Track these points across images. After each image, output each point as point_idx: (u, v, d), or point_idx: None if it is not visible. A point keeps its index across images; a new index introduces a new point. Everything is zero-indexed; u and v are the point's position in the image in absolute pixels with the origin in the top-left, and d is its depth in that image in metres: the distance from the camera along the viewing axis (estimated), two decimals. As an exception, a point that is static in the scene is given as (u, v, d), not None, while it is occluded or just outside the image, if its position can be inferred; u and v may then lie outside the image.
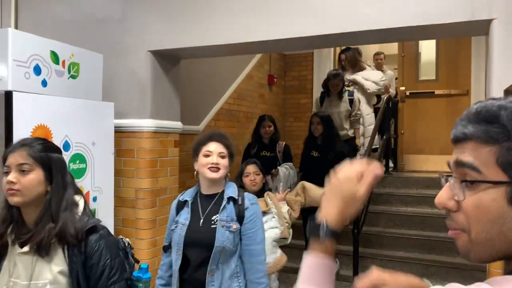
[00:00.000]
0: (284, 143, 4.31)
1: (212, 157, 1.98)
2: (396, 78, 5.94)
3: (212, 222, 1.94)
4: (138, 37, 3.09)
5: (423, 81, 5.71)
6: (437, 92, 5.54)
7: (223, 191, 2.02)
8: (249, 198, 2.03)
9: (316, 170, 3.46)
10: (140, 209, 3.03)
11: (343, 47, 5.44)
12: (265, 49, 3.92)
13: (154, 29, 3.05)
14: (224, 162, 2.00)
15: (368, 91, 4.98)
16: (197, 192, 2.08)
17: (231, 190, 2.03)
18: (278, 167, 4.05)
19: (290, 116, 6.41)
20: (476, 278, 3.82)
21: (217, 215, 1.95)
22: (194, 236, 1.93)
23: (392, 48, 6.25)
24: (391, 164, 5.45)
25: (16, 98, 2.26)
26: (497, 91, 2.24)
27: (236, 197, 1.99)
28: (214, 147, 2.00)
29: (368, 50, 7.15)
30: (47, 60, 2.50)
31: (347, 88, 4.88)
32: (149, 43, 3.07)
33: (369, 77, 5.02)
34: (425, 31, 2.58)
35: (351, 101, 4.67)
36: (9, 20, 3.36)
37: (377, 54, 5.77)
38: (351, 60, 5.22)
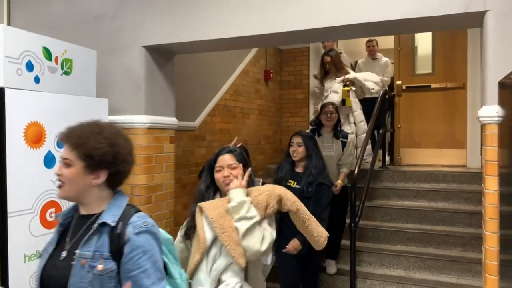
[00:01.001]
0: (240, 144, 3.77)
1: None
2: (392, 63, 5.92)
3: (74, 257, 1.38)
4: (132, 32, 3.07)
5: (420, 75, 5.70)
6: (433, 85, 5.53)
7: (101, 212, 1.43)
8: (135, 224, 1.39)
9: None
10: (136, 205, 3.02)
11: (324, 50, 5.31)
12: (259, 44, 3.91)
13: (147, 25, 3.03)
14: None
15: (372, 91, 4.86)
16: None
17: (113, 211, 1.43)
18: None
19: (287, 112, 6.41)
20: (474, 271, 3.81)
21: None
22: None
23: (388, 42, 6.23)
24: (387, 158, 5.45)
25: (8, 94, 2.24)
26: (491, 83, 2.23)
27: (113, 223, 1.38)
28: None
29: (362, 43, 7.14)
30: (39, 57, 2.48)
31: (343, 89, 4.68)
32: (143, 39, 3.05)
33: (368, 78, 4.89)
34: (420, 24, 2.57)
35: (344, 144, 3.88)
36: (1, 17, 3.33)
37: (369, 41, 5.68)
38: (337, 61, 4.97)
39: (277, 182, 3.05)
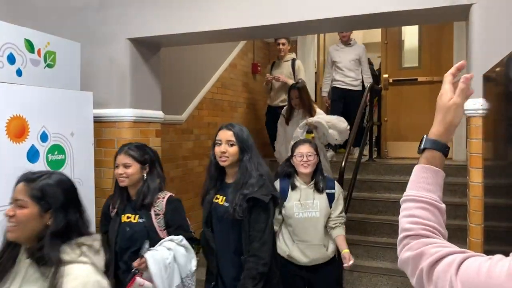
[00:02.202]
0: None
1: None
2: (378, 56, 5.93)
3: None
4: (117, 25, 3.03)
5: (406, 68, 5.74)
6: (420, 79, 5.57)
7: None
8: None
9: (221, 226, 2.25)
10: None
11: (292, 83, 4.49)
12: (246, 36, 3.88)
13: (133, 17, 2.99)
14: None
15: (335, 141, 3.94)
16: None
17: None
18: None
19: (275, 105, 6.39)
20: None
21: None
22: None
23: (375, 35, 6.25)
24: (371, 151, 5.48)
25: (-11, 88, 2.20)
26: (476, 77, 2.25)
27: None
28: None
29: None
30: (21, 49, 2.43)
31: (306, 135, 3.74)
32: (128, 31, 3.01)
33: (335, 125, 3.81)
34: (406, 17, 2.57)
35: (331, 198, 2.79)
36: (-18, 8, 3.26)
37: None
38: (304, 96, 4.02)
39: (201, 199, 2.37)
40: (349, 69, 5.26)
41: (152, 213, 2.25)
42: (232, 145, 2.18)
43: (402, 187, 4.26)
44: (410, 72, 5.66)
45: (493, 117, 2.07)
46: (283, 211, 2.72)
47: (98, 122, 2.96)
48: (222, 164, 2.21)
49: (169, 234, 2.24)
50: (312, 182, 2.74)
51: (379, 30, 5.88)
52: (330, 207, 2.74)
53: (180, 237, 2.20)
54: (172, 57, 4.00)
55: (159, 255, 2.10)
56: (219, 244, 2.25)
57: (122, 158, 2.26)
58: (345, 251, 2.65)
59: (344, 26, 2.98)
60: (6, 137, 2.26)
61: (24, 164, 2.34)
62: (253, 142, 2.25)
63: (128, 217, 2.29)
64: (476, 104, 2.22)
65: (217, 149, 2.20)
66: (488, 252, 2.08)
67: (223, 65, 5.17)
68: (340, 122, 3.85)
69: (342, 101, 5.29)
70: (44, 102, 2.48)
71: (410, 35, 5.70)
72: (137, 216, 2.27)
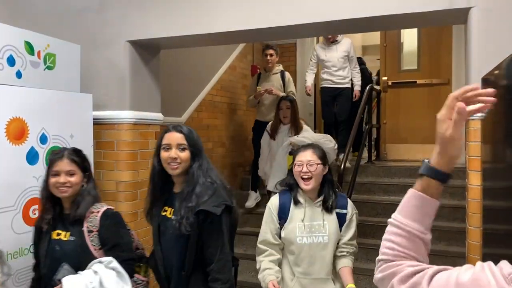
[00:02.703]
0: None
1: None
2: (378, 59, 5.91)
3: None
4: (117, 27, 3.03)
5: (405, 71, 5.74)
6: (419, 81, 5.57)
7: None
8: None
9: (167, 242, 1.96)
10: (121, 202, 3.00)
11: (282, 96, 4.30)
12: (246, 39, 3.90)
13: (132, 19, 3.00)
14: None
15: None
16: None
17: None
18: None
19: (274, 107, 6.39)
20: (458, 265, 3.90)
21: None
22: None
23: (374, 38, 6.27)
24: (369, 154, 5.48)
25: (-11, 90, 2.20)
26: (475, 79, 2.26)
27: None
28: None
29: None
30: (21, 51, 2.44)
31: (289, 157, 3.48)
32: (128, 33, 3.01)
33: (321, 145, 3.27)
34: (405, 20, 2.58)
35: (343, 218, 2.30)
36: (-18, 10, 3.26)
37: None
38: (296, 111, 3.95)
39: (146, 213, 2.11)
40: (337, 67, 5.10)
41: (85, 229, 1.94)
42: (183, 149, 1.89)
43: (401, 189, 4.28)
44: (409, 75, 5.68)
45: (492, 120, 2.07)
46: (282, 234, 2.20)
47: (98, 124, 2.96)
48: (172, 172, 1.91)
49: (105, 254, 1.93)
50: (320, 198, 2.23)
51: (378, 32, 5.89)
52: (340, 230, 2.22)
53: (109, 258, 1.87)
54: (172, 59, 4.00)
55: (80, 280, 1.78)
56: (169, 265, 1.92)
57: (65, 165, 1.96)
58: (349, 286, 2.14)
59: (342, 29, 2.99)
60: (6, 139, 2.26)
61: (23, 166, 2.35)
62: (202, 145, 1.99)
63: (58, 234, 1.97)
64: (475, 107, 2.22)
65: (165, 155, 1.89)
66: (487, 255, 2.08)
67: (222, 67, 5.18)
68: (327, 142, 3.48)
69: (332, 102, 5.19)
70: (44, 104, 2.48)
71: (409, 37, 5.72)
72: (68, 233, 1.96)
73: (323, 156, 2.23)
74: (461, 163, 4.81)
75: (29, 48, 2.49)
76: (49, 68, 2.62)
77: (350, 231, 2.24)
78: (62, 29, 3.03)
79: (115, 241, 1.95)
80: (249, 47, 5.86)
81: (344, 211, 2.24)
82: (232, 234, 1.97)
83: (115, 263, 1.85)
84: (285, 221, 2.20)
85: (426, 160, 0.93)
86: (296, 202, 2.22)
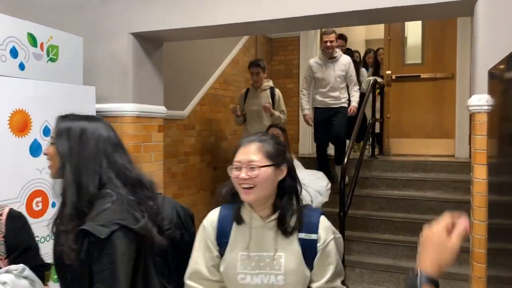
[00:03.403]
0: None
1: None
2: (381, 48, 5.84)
3: None
4: (120, 19, 3.02)
5: (409, 65, 5.72)
6: (423, 75, 5.55)
7: None
8: None
9: None
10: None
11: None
12: (249, 31, 3.87)
13: (135, 11, 2.98)
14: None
15: (305, 201, 2.66)
16: None
17: None
18: None
19: (277, 101, 6.37)
20: (461, 259, 3.87)
21: None
22: None
23: (378, 32, 6.23)
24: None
25: (-8, 81, 2.19)
26: (481, 72, 2.24)
27: None
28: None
29: (355, 37, 7.13)
30: (24, 43, 2.42)
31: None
32: (131, 26, 3.00)
33: (311, 183, 2.90)
34: (411, 12, 2.56)
35: (311, 246, 1.50)
36: (-16, 2, 3.25)
37: (325, 33, 4.49)
38: (286, 141, 3.23)
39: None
40: (334, 87, 4.56)
41: None
42: (52, 143, 1.42)
43: (404, 184, 4.27)
44: (413, 69, 5.65)
45: (498, 114, 2.05)
46: (221, 268, 1.48)
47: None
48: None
49: (13, 261, 1.56)
50: (274, 216, 1.45)
51: (382, 26, 5.86)
52: (309, 266, 1.43)
53: (21, 266, 1.50)
54: (175, 52, 3.99)
55: None
56: None
57: None
58: None
59: (346, 21, 2.96)
60: (9, 131, 2.25)
61: (26, 158, 2.34)
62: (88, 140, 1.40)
63: None
64: (481, 100, 2.20)
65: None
66: (492, 249, 2.07)
67: (225, 61, 5.16)
68: (319, 180, 2.97)
69: (327, 122, 4.64)
70: (47, 96, 2.47)
71: (413, 31, 5.68)
72: None
73: (276, 153, 1.44)
74: (464, 157, 4.82)
75: (32, 40, 2.47)
76: (52, 60, 2.61)
77: (327, 269, 1.43)
78: (65, 21, 3.02)
79: (27, 244, 1.63)
80: (252, 40, 5.83)
81: (313, 236, 1.43)
82: (146, 264, 1.37)
83: (28, 271, 1.52)
84: (224, 248, 1.48)
85: (420, 273, 0.93)
86: (239, 221, 1.47)
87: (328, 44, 4.41)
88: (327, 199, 2.99)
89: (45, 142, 2.45)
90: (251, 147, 1.44)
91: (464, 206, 3.99)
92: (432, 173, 4.53)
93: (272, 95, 4.46)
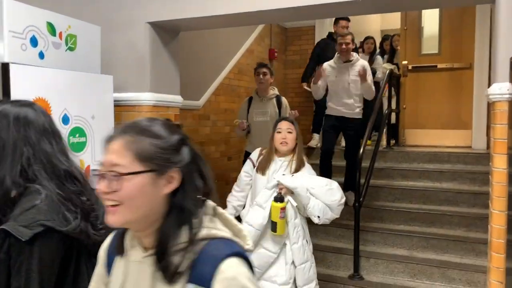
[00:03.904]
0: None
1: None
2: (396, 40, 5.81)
3: None
4: (137, 8, 3.03)
5: (426, 55, 5.64)
6: (439, 66, 5.47)
7: None
8: None
9: None
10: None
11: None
12: (266, 19, 3.85)
13: (152, 0, 2.98)
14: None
15: (317, 220, 2.59)
16: None
17: None
18: None
19: (291, 91, 6.36)
20: (477, 251, 3.82)
21: None
22: None
23: (394, 22, 6.15)
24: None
25: (13, 70, 2.22)
26: (502, 60, 2.20)
27: None
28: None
29: (371, 27, 7.06)
30: (43, 32, 2.45)
31: (274, 204, 2.54)
32: (148, 15, 3.00)
33: (321, 195, 2.58)
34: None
35: None
36: (4, -8, 3.28)
37: (341, 36, 4.24)
38: (297, 135, 2.90)
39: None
40: (348, 94, 4.21)
41: None
42: None
43: (420, 175, 4.22)
44: (429, 59, 5.57)
45: (520, 102, 2.02)
46: None
47: (118, 106, 2.98)
48: None
49: None
50: (150, 252, 0.98)
51: (398, 16, 5.78)
52: None
53: None
54: (190, 43, 3.99)
55: None
56: None
57: None
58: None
59: (362, 9, 2.93)
60: (30, 119, 2.29)
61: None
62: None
63: None
64: (502, 89, 2.17)
65: None
66: (510, 242, 2.05)
67: (240, 51, 5.16)
68: (332, 192, 2.58)
69: (337, 131, 4.40)
70: (66, 85, 2.50)
71: (430, 21, 5.60)
72: None
73: (156, 150, 0.97)
74: (481, 148, 4.75)
75: (51, 29, 2.50)
76: (70, 49, 2.63)
77: None
78: (83, 11, 3.04)
79: None
80: (267, 30, 5.81)
81: None
82: (77, 269, 1.24)
83: None
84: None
85: None
86: (120, 250, 1.06)
87: (344, 46, 4.10)
88: (338, 216, 2.63)
89: (64, 130, 2.48)
90: (114, 144, 0.96)
91: (480, 198, 3.97)
92: (448, 164, 4.49)
93: (279, 103, 4.09)
